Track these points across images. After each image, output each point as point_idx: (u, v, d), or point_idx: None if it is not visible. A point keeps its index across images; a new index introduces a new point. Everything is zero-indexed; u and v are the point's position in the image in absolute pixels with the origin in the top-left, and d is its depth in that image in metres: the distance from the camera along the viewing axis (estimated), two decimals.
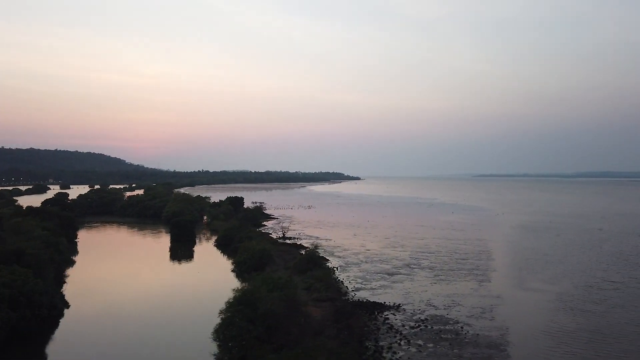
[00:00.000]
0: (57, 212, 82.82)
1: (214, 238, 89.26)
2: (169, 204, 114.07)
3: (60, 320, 40.82)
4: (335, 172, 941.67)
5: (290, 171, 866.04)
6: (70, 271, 63.37)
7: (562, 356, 34.22)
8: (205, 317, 37.27)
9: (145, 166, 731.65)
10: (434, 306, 46.52)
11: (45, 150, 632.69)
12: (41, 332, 36.81)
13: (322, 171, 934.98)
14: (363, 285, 54.84)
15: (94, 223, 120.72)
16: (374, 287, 54.29)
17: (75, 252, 77.84)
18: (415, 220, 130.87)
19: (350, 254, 76.14)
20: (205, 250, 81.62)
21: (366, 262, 69.39)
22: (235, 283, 50.35)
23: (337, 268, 64.29)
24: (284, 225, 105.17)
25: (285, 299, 30.76)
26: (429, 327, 40.05)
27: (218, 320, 31.91)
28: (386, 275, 60.22)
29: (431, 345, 35.83)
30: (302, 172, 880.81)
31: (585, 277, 59.26)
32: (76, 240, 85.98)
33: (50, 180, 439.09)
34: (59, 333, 38.28)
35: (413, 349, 34.90)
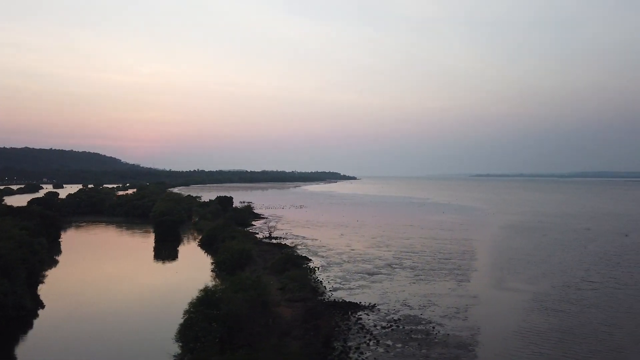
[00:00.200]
0: (39, 211, 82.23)
1: (200, 238, 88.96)
2: (157, 204, 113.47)
3: (34, 320, 40.89)
4: (331, 171, 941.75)
5: (287, 171, 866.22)
6: (50, 272, 63.06)
7: (530, 356, 34.15)
8: (175, 318, 37.04)
9: (142, 165, 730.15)
10: (409, 306, 46.42)
11: (40, 149, 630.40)
12: (6, 333, 36.59)
13: (319, 171, 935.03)
14: (342, 285, 54.68)
15: (82, 223, 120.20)
16: (352, 287, 54.14)
17: (58, 252, 77.60)
18: (404, 220, 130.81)
19: (334, 253, 75.98)
20: (189, 250, 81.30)
21: (349, 261, 69.23)
22: (212, 283, 50.14)
23: (318, 268, 64.16)
24: (271, 225, 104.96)
25: (249, 299, 30.54)
26: (401, 327, 39.95)
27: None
28: (366, 275, 60.09)
29: (400, 345, 35.71)
30: (298, 171, 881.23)
31: (564, 277, 59.28)
32: (59, 240, 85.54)
33: (45, 180, 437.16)
34: (29, 334, 38.15)
35: (381, 350, 34.77)
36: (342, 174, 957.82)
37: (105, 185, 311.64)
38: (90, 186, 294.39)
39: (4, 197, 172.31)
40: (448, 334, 38.32)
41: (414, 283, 56.23)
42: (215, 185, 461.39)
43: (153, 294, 52.61)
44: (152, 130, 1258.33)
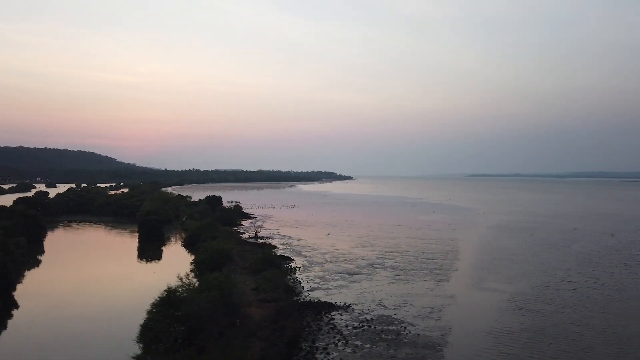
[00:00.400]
0: (22, 210, 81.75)
1: (184, 237, 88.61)
2: (145, 203, 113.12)
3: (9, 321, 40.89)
4: (327, 171, 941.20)
5: (283, 170, 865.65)
6: (30, 272, 62.93)
7: (497, 356, 34.06)
8: (142, 319, 36.89)
9: (137, 165, 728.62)
10: (384, 306, 46.30)
11: (35, 148, 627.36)
12: None
13: (315, 170, 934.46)
14: (320, 285, 54.53)
15: (69, 222, 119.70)
16: (330, 287, 54.00)
17: (41, 251, 77.25)
18: (394, 220, 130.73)
19: (318, 253, 75.81)
20: (172, 250, 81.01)
21: (331, 261, 69.08)
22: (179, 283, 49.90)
23: (299, 268, 63.99)
24: (257, 224, 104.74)
25: (211, 299, 30.33)
26: (373, 327, 39.82)
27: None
28: (346, 275, 59.95)
29: (368, 345, 35.58)
30: (294, 171, 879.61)
31: (544, 277, 59.28)
32: (42, 240, 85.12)
33: (38, 179, 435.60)
34: None
35: (348, 350, 34.63)
36: (338, 173, 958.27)
37: (99, 185, 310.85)
38: (83, 185, 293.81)
39: None
40: (418, 334, 38.22)
41: (393, 283, 56.12)
42: (210, 184, 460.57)
43: (126, 294, 52.34)
44: (149, 130, 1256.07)
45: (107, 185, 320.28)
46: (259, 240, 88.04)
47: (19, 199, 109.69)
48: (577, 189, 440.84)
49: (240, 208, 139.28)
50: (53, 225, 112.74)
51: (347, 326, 39.90)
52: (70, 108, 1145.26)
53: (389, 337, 37.53)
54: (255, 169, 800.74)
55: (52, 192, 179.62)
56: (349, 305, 46.09)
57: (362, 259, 70.79)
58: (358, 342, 36.14)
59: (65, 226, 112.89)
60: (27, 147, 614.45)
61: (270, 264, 51.89)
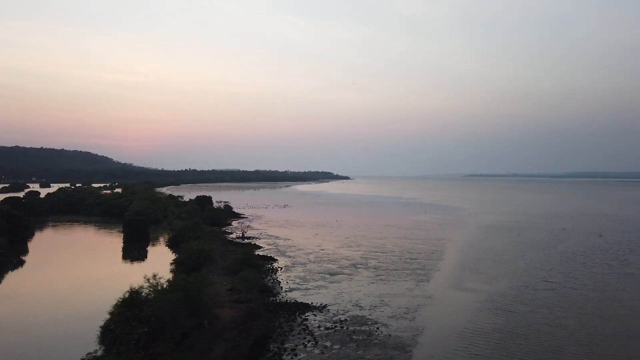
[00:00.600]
0: (6, 211, 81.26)
1: (169, 237, 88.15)
2: (134, 203, 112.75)
3: None
4: (324, 171, 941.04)
5: (280, 170, 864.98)
6: (11, 273, 62.66)
7: (465, 357, 33.95)
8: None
9: (135, 165, 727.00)
10: (360, 306, 46.12)
11: (31, 148, 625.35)
12: None
13: (312, 170, 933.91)
14: (299, 286, 54.32)
15: (57, 222, 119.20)
16: (309, 287, 53.80)
17: (25, 252, 76.87)
18: (384, 220, 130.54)
19: (303, 253, 75.59)
20: (156, 250, 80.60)
21: (314, 262, 68.86)
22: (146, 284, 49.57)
23: (281, 268, 63.82)
24: (245, 224, 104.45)
25: (174, 300, 30.08)
26: (345, 328, 39.65)
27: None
28: (327, 276, 59.74)
29: (338, 346, 35.39)
30: (292, 171, 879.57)
31: (525, 277, 59.18)
32: (27, 240, 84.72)
33: (33, 179, 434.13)
34: None
35: (317, 351, 34.44)
36: (335, 173, 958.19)
37: (93, 185, 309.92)
38: (77, 185, 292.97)
39: None
40: (390, 335, 38.06)
41: (373, 283, 55.94)
42: (206, 184, 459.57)
43: (101, 295, 51.71)
44: (147, 130, 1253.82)
45: (102, 185, 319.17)
46: (246, 241, 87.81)
47: (5, 199, 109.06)
48: (574, 189, 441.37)
49: (231, 208, 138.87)
50: (42, 225, 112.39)
51: (319, 327, 39.72)
52: (69, 108, 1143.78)
53: (360, 337, 37.36)
54: (253, 169, 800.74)
55: (46, 192, 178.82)
56: (325, 306, 45.91)
57: (346, 259, 70.60)
58: (328, 343, 35.96)
59: (53, 226, 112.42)
60: (23, 147, 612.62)
61: (249, 265, 51.62)
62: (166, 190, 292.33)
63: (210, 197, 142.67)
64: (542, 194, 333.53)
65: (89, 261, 71.99)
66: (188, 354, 25.68)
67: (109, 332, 27.93)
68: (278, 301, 47.30)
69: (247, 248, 66.93)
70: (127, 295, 29.61)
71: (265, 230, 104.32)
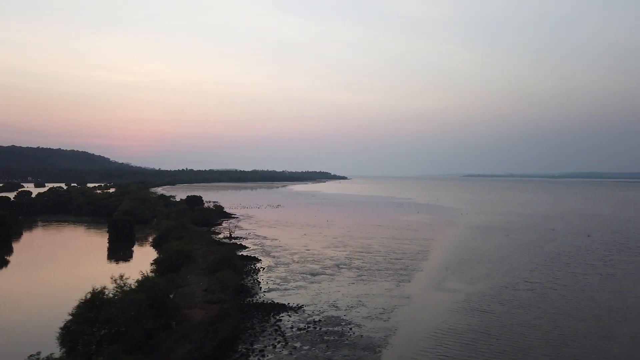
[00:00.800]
0: None
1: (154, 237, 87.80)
2: (123, 203, 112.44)
3: None
4: (322, 171, 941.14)
5: (278, 170, 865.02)
6: None
7: (434, 357, 33.80)
8: None
9: (132, 165, 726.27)
10: (336, 307, 45.95)
11: (28, 147, 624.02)
12: None
13: (310, 170, 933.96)
14: (279, 286, 54.12)
15: (47, 222, 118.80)
16: (289, 287, 53.61)
17: (9, 252, 76.60)
18: (375, 220, 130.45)
19: (288, 253, 75.39)
20: (141, 250, 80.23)
21: (298, 262, 68.67)
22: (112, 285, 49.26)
23: (263, 268, 63.64)
24: (233, 225, 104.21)
25: (136, 301, 29.86)
26: (318, 328, 39.48)
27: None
28: (309, 276, 59.56)
29: (307, 347, 35.22)
30: (289, 171, 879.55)
31: (507, 278, 59.07)
32: (12, 240, 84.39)
33: (29, 179, 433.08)
34: None
35: (285, 352, 34.26)
36: (332, 173, 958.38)
37: (89, 185, 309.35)
38: (72, 185, 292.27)
39: None
40: (362, 336, 37.90)
41: (353, 284, 55.76)
42: (202, 184, 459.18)
43: (74, 296, 51.63)
44: (145, 130, 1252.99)
45: (97, 185, 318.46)
46: (233, 241, 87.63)
47: None
48: (570, 189, 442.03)
49: (222, 208, 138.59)
50: (31, 225, 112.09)
51: (292, 328, 39.54)
52: (69, 108, 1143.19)
53: (332, 338, 37.20)
54: (252, 169, 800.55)
55: (40, 192, 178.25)
56: (301, 307, 45.73)
57: (330, 260, 70.43)
58: (298, 344, 35.79)
59: (41, 226, 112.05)
60: (20, 147, 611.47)
61: (227, 265, 51.37)
62: (161, 190, 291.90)
63: (200, 197, 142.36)
64: (537, 194, 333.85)
65: (71, 262, 71.61)
66: (136, 356, 25.43)
67: (69, 334, 27.68)
68: (254, 302, 47.11)
69: (227, 248, 66.60)
70: (88, 296, 29.36)
71: (254, 231, 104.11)
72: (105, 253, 77.06)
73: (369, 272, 61.87)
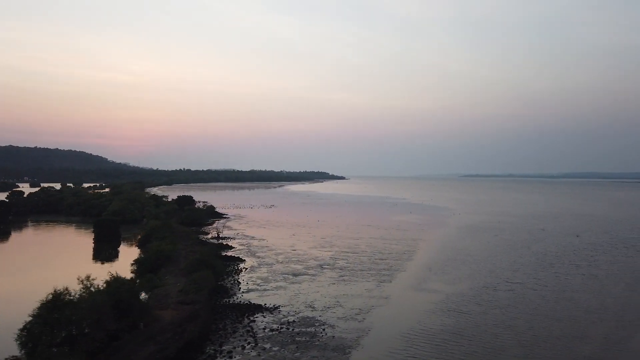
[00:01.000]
0: None
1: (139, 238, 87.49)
2: (113, 203, 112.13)
3: None
4: (319, 171, 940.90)
5: (275, 170, 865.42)
6: None
7: (403, 358, 33.60)
8: None
9: (130, 164, 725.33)
10: (313, 308, 45.74)
11: (25, 147, 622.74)
12: None
13: (308, 170, 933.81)
14: (258, 287, 53.90)
15: (36, 222, 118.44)
16: (268, 288, 53.38)
17: None
18: (366, 220, 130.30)
19: (273, 254, 75.18)
20: (126, 250, 79.88)
21: (282, 262, 68.46)
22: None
23: (245, 268, 63.44)
24: (222, 225, 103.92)
25: (97, 303, 29.60)
26: (291, 329, 39.26)
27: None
28: (290, 276, 59.34)
29: (277, 349, 34.99)
30: (287, 171, 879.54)
31: (489, 278, 58.93)
32: None
33: (25, 178, 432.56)
34: None
35: (254, 353, 34.03)
36: (330, 173, 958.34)
37: (85, 185, 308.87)
38: (68, 185, 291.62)
39: None
40: (334, 337, 37.69)
41: (334, 284, 55.57)
42: (199, 184, 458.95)
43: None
44: (142, 129, 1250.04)
45: (92, 185, 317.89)
46: (220, 241, 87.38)
47: None
48: (565, 190, 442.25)
49: (213, 208, 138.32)
50: (20, 225, 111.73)
51: (264, 328, 39.32)
52: (65, 107, 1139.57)
53: (303, 339, 36.99)
54: (250, 169, 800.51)
55: (24, 192, 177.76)
56: (277, 307, 45.52)
57: (315, 260, 70.24)
58: (268, 345, 35.58)
59: (30, 226, 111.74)
60: (17, 146, 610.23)
61: (206, 265, 51.11)
62: (157, 190, 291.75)
63: (191, 197, 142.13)
64: (532, 194, 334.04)
65: (53, 262, 71.20)
66: (98, 357, 25.16)
67: (29, 335, 27.38)
68: (230, 302, 46.89)
69: (209, 248, 66.38)
70: (49, 297, 29.07)
71: (243, 231, 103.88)
72: (91, 253, 76.73)
73: (351, 273, 61.69)
